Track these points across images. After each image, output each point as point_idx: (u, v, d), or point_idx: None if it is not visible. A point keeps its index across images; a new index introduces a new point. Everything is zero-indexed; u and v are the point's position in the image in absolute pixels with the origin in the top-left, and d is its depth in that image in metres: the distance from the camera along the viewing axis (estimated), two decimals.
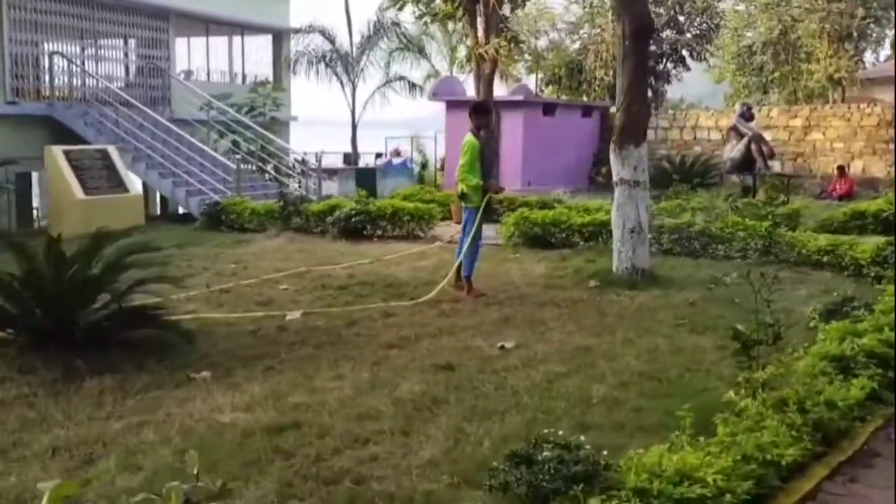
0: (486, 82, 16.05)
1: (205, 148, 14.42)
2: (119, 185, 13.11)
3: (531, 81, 29.14)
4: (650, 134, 24.13)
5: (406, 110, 25.66)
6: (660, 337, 6.49)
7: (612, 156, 8.57)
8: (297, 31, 21.66)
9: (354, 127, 21.86)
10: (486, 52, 14.85)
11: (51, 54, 15.63)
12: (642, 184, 8.49)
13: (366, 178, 17.42)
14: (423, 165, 24.21)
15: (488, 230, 9.40)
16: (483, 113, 8.20)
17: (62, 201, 12.64)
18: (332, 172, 17.63)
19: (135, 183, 13.52)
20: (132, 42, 18.14)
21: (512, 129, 20.83)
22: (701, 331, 6.72)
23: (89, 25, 16.71)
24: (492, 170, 8.30)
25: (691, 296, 7.93)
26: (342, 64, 21.25)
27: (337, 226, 11.99)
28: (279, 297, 8.09)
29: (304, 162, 18.82)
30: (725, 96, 37.45)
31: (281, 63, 21.96)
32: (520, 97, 21.02)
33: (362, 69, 21.35)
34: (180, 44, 21.99)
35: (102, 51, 17.47)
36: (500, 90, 21.34)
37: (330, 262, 9.98)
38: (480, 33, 15.20)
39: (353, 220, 11.91)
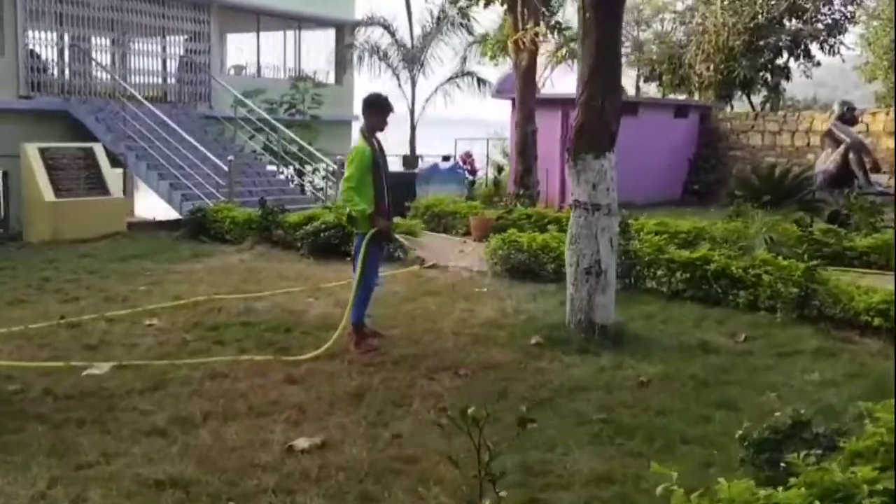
0: (522, 76, 13.90)
1: (199, 147, 13.13)
2: (99, 186, 12.08)
3: (630, 78, 26.36)
4: (755, 139, 21.16)
5: (487, 110, 23.67)
6: (548, 449, 4.33)
7: (566, 168, 6.41)
8: (360, 23, 20.25)
9: (413, 127, 20.19)
10: (521, 40, 12.75)
11: (69, 46, 14.96)
12: (604, 208, 6.25)
13: (402, 185, 15.65)
14: (500, 170, 22.16)
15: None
16: (378, 109, 6.25)
17: (31, 203, 11.74)
18: None
19: (117, 185, 12.48)
20: (169, 35, 17.31)
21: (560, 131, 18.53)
22: (621, 439, 4.49)
23: (120, 17, 15.97)
24: (388, 190, 6.30)
25: (653, 369, 5.65)
26: (403, 58, 19.62)
27: (306, 241, 10.35)
28: (129, 336, 6.49)
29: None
30: (877, 96, 32.81)
31: (343, 58, 20.66)
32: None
33: (423, 64, 19.61)
34: (236, 39, 21.28)
35: (134, 44, 16.71)
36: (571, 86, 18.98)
37: (262, 287, 8.36)
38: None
39: (323, 234, 10.23)
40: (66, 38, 15.30)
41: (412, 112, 20.05)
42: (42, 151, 11.74)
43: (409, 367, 5.77)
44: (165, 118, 13.51)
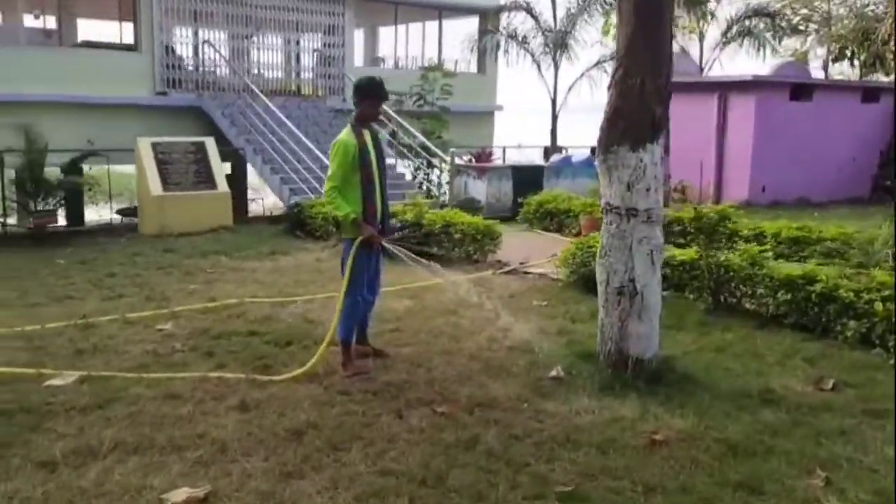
0: None
1: (302, 139, 12.89)
2: (207, 180, 12.15)
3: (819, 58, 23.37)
4: None
5: None
6: None
7: (596, 164, 5.22)
8: (503, 8, 19.33)
9: (555, 117, 18.97)
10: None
11: (202, 42, 15.34)
12: (643, 214, 4.99)
13: (527, 179, 14.61)
14: None
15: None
16: (371, 96, 5.37)
17: (142, 196, 12.02)
18: (481, 171, 15.08)
19: (224, 178, 12.49)
20: (304, 30, 17.35)
21: (738, 118, 16.43)
22: None
23: (254, 13, 16.20)
24: (381, 190, 5.42)
25: (681, 423, 4.39)
26: (545, 42, 18.45)
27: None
28: (129, 342, 6.10)
29: (479, 157, 16.69)
30: None
31: (485, 46, 19.84)
32: (748, 76, 16.45)
33: (566, 47, 18.32)
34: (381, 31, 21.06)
35: (267, 39, 16.91)
36: (761, 67, 16.85)
37: (310, 290, 7.82)
38: None
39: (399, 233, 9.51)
40: (199, 34, 15.71)
41: (553, 101, 18.84)
42: (154, 146, 11.97)
43: (389, 398, 4.91)
44: (276, 110, 13.40)
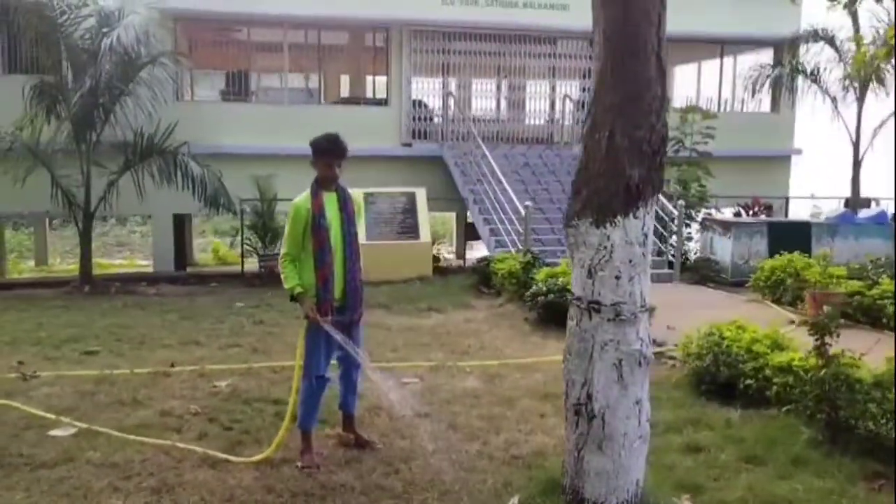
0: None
1: (507, 189, 12.31)
2: (411, 230, 12.22)
3: None
4: None
5: None
6: None
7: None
8: (798, 39, 16.79)
9: (858, 163, 15.81)
10: None
11: (446, 94, 15.63)
12: (610, 310, 3.66)
13: (788, 237, 12.24)
14: None
15: None
16: (317, 152, 4.68)
17: None
18: (726, 226, 12.92)
19: (427, 229, 12.37)
20: (560, 77, 16.81)
21: None
22: None
23: (503, 62, 16.15)
24: (344, 260, 4.73)
25: None
26: (847, 75, 15.58)
27: (534, 304, 8.79)
28: (169, 398, 6.15)
29: (750, 208, 14.69)
30: None
31: (781, 83, 17.41)
32: None
33: (871, 81, 15.22)
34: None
35: (516, 87, 16.68)
36: None
37: (414, 357, 7.35)
38: None
39: (545, 297, 8.54)
40: (447, 86, 16.04)
41: (856, 144, 15.75)
42: (366, 196, 12.39)
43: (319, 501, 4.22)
44: (490, 157, 13.07)
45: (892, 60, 10.85)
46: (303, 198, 4.73)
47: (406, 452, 4.91)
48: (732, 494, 4.14)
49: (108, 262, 21.60)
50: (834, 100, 15.68)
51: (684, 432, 5.07)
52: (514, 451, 4.89)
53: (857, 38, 11.66)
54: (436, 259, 13.49)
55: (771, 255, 12.12)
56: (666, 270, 12.04)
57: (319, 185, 4.75)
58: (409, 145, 15.62)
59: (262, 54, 16.33)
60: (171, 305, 10.47)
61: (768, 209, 15.75)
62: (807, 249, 12.57)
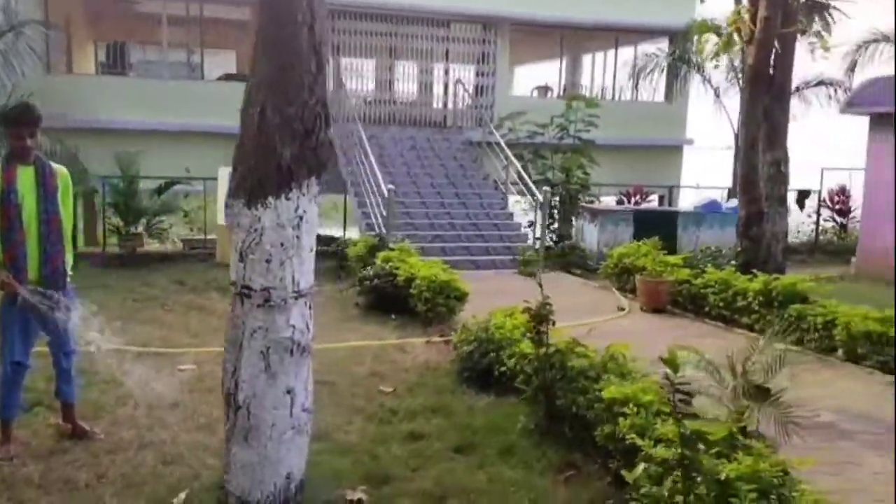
0: (748, 80, 9.72)
1: (378, 173, 12.15)
2: None
3: None
4: None
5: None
6: None
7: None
8: (689, 30, 16.85)
9: (737, 152, 16.02)
10: (748, 26, 8.76)
11: (336, 75, 15.37)
12: (260, 295, 3.52)
13: (654, 225, 12.25)
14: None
15: None
16: (12, 122, 4.44)
17: (217, 225, 12.18)
18: (593, 214, 12.97)
19: None
20: (453, 60, 16.69)
21: (875, 158, 12.63)
22: None
23: (394, 42, 15.93)
24: (39, 237, 4.48)
25: None
26: (733, 67, 15.73)
27: (363, 289, 8.67)
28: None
29: (629, 197, 14.79)
30: None
31: (675, 73, 17.56)
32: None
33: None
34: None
35: (406, 68, 16.52)
36: None
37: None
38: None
39: (373, 282, 8.44)
40: (339, 65, 15.73)
41: (738, 136, 15.95)
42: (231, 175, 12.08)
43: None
44: (365, 140, 12.88)
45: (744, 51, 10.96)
46: None
47: (123, 444, 4.71)
48: (418, 486, 4.05)
49: None
50: (716, 90, 15.82)
51: (417, 420, 4.99)
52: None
53: (733, 28, 11.70)
54: None
55: None
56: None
57: (12, 158, 4.48)
58: None
59: (140, 26, 15.82)
60: None
61: (644, 197, 15.87)
62: (673, 238, 12.72)
